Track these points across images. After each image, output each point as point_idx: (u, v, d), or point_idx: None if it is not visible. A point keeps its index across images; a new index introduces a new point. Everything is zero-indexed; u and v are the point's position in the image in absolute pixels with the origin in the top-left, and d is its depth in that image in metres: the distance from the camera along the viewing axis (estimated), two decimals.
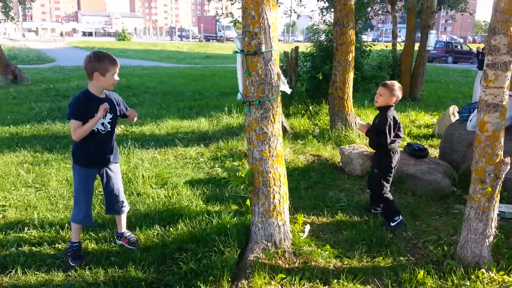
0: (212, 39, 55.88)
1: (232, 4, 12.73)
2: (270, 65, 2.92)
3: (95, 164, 3.11)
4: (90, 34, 61.20)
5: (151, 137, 6.67)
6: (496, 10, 2.69)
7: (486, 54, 2.82)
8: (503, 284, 2.88)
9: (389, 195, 3.82)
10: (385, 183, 3.79)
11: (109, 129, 3.06)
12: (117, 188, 3.25)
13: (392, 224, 3.74)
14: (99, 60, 2.88)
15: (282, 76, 3.05)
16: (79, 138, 2.93)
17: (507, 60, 2.71)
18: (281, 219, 3.20)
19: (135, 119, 3.28)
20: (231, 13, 6.75)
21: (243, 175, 3.09)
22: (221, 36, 55.29)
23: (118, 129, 7.12)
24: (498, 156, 2.86)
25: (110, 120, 3.06)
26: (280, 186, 3.15)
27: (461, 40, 47.20)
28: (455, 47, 31.43)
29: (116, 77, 2.97)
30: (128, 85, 12.11)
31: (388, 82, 3.77)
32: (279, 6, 3.01)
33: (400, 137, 3.78)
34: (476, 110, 4.95)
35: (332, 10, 12.75)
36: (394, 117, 3.68)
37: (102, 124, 3.01)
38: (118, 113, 3.15)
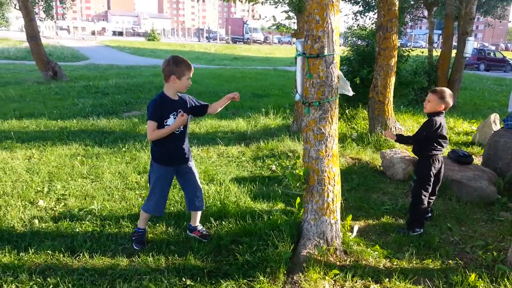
0: (239, 41, 56.30)
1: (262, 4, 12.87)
2: (332, 68, 3.03)
3: (171, 162, 3.28)
4: (120, 33, 62.52)
5: (193, 136, 6.87)
6: None
7: None
8: None
9: (424, 206, 3.76)
10: (423, 191, 3.74)
11: (182, 129, 3.22)
12: (198, 185, 3.42)
13: (411, 233, 3.72)
14: (177, 65, 3.05)
15: (344, 79, 3.15)
16: (154, 139, 3.14)
17: None
18: (334, 217, 3.31)
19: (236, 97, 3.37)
20: (273, 16, 6.91)
21: (300, 173, 3.20)
22: (248, 38, 55.65)
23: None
24: None
25: None
26: (334, 185, 3.26)
27: (493, 47, 46.13)
28: (487, 54, 30.76)
29: (190, 81, 3.15)
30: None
31: (438, 88, 3.74)
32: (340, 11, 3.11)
33: (443, 147, 3.72)
34: None
35: (366, 14, 12.81)
36: (440, 124, 3.63)
37: None
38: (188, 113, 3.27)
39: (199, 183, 3.47)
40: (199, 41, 56.65)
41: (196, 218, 3.53)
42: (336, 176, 3.26)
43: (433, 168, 3.74)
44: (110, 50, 32.84)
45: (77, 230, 3.57)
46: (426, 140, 3.69)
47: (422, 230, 3.77)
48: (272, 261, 3.04)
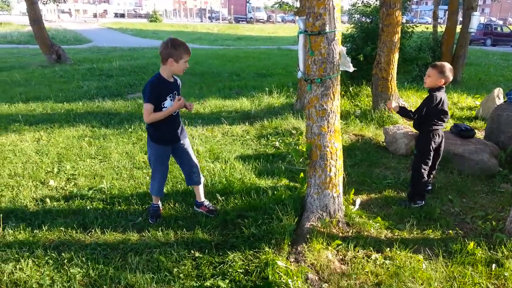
0: (242, 21, 55.67)
1: None
2: (333, 45, 3.07)
3: (168, 142, 3.38)
4: (122, 15, 62.03)
5: (197, 116, 6.94)
6: None
7: None
8: None
9: (424, 179, 3.84)
10: (422, 165, 3.82)
11: (177, 111, 3.31)
12: (193, 160, 3.51)
13: (413, 205, 3.82)
14: (175, 48, 3.07)
15: (345, 55, 3.19)
16: (150, 121, 3.19)
17: None
18: (336, 191, 3.40)
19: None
20: None
21: (304, 149, 3.28)
22: (251, 18, 55.02)
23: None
24: None
25: None
26: (336, 160, 3.33)
27: (501, 22, 45.28)
28: (494, 29, 30.24)
29: (187, 64, 3.19)
30: None
31: (438, 63, 3.74)
32: None
33: (444, 121, 3.77)
34: None
35: None
36: (441, 99, 3.65)
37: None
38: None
39: (194, 158, 3.54)
40: (202, 21, 56.08)
41: (200, 194, 3.63)
42: (338, 151, 3.34)
43: (433, 143, 3.79)
44: (112, 32, 32.67)
45: (88, 207, 3.70)
46: (426, 115, 3.73)
47: (423, 202, 3.86)
48: (277, 233, 3.16)
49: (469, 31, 10.46)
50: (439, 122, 3.75)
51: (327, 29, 3.01)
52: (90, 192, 4.02)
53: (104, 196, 3.93)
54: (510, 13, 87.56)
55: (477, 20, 10.55)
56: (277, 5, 6.80)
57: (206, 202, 3.67)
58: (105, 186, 4.10)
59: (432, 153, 3.84)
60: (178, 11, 72.57)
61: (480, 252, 3.02)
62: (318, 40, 3.05)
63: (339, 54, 3.14)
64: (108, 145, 5.30)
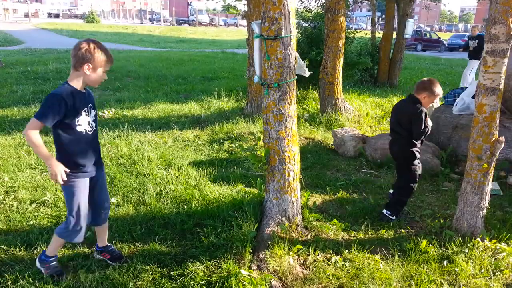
0: (184, 23, 54.98)
1: None
2: (289, 50, 3.08)
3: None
4: (57, 15, 58.89)
5: (145, 121, 6.71)
6: (497, 1, 2.95)
7: (485, 42, 3.08)
8: (496, 251, 3.21)
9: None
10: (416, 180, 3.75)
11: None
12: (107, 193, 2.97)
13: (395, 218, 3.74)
14: (99, 51, 2.47)
15: (300, 60, 3.21)
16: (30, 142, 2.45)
17: (505, 48, 2.99)
18: (294, 195, 3.41)
19: None
20: None
21: (262, 154, 3.26)
22: (193, 20, 54.49)
23: (109, 113, 7.11)
24: (494, 135, 3.16)
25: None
26: (294, 164, 3.35)
27: (429, 29, 48.64)
28: (424, 35, 32.35)
29: (106, 76, 2.63)
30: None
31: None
32: None
33: None
34: (461, 95, 5.32)
35: None
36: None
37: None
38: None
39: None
40: (142, 23, 54.62)
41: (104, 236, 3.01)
42: (296, 155, 3.36)
43: None
44: (46, 33, 30.86)
45: (32, 222, 3.42)
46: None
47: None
48: (238, 241, 3.10)
49: (404, 36, 11.07)
50: None
51: (283, 34, 3.02)
52: (33, 205, 3.72)
53: (48, 209, 3.66)
54: (436, 20, 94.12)
55: (411, 26, 11.19)
56: (224, 8, 6.76)
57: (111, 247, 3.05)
58: (48, 199, 3.82)
59: None
60: (116, 11, 70.16)
61: (432, 249, 3.16)
62: (274, 44, 3.05)
63: (295, 59, 3.17)
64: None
